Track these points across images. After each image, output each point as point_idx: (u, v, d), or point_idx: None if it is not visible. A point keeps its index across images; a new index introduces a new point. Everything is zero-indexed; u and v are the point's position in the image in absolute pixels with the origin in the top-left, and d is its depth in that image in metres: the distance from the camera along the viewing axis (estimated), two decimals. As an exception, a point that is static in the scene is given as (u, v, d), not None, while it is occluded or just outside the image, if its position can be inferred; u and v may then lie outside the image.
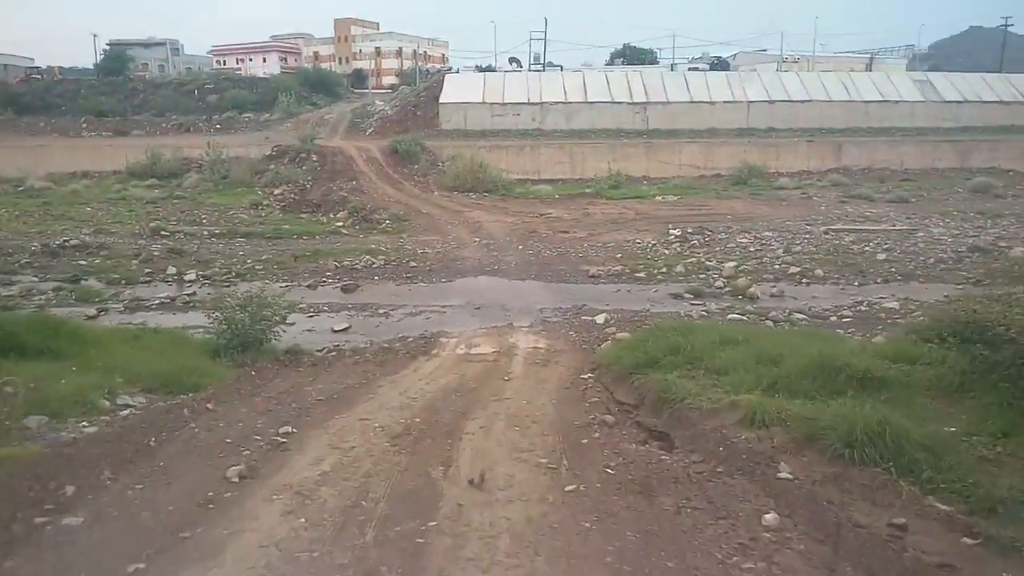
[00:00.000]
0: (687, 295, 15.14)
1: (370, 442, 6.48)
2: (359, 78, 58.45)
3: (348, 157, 32.30)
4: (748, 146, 34.75)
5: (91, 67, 59.26)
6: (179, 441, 6.53)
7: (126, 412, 7.22)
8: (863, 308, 14.00)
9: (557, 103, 40.10)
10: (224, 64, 66.58)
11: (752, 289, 15.28)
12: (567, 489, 5.37)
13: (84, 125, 44.67)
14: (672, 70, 48.50)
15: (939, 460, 4.98)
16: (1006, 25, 57.12)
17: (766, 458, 5.37)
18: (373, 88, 55.57)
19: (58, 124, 45.24)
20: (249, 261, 18.41)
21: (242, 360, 9.66)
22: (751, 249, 19.20)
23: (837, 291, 15.66)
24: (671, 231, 20.91)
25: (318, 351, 11.36)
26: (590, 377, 9.35)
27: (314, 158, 31.91)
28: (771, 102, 39.92)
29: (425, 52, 70.18)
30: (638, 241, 20.23)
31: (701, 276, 16.70)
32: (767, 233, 20.92)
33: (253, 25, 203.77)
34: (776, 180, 30.62)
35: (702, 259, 17.99)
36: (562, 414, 7.33)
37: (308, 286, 16.35)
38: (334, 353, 11.20)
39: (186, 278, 16.91)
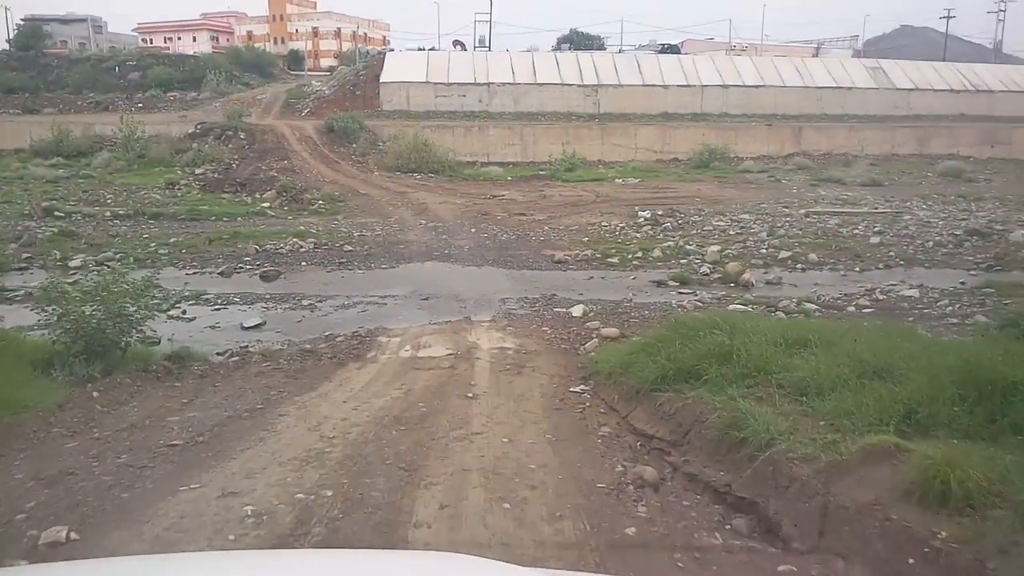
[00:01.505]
0: (671, 283, 12.67)
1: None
2: (296, 59, 54.61)
3: (279, 135, 29.03)
4: (706, 129, 32.59)
5: (3, 44, 54.14)
6: None
7: None
8: (879, 297, 11.72)
9: (505, 84, 37.33)
10: (151, 43, 61.79)
11: (746, 276, 12.87)
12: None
13: (-10, 102, 40.10)
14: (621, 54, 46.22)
15: None
16: (948, 16, 56.60)
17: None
18: (310, 70, 51.97)
19: (-43, 102, 40.53)
20: (153, 245, 15.26)
21: (89, 373, 6.72)
22: (730, 233, 16.86)
23: (838, 277, 13.39)
24: (640, 213, 18.43)
25: (217, 355, 8.48)
26: (584, 391, 6.74)
27: (242, 136, 28.54)
28: (725, 87, 37.87)
29: (365, 33, 66.59)
30: (604, 224, 17.69)
31: (682, 261, 14.26)
32: (744, 216, 18.63)
33: (182, 3, 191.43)
34: (740, 164, 28.50)
35: (680, 243, 15.55)
36: (568, 465, 4.64)
37: (220, 273, 13.35)
38: (236, 358, 8.32)
39: (71, 264, 13.71)
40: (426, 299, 11.53)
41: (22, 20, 54.84)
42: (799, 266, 14.08)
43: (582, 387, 6.81)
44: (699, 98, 37.79)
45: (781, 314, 10.38)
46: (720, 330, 5.89)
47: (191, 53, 50.56)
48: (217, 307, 11.03)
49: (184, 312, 10.66)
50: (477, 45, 51.04)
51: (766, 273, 13.50)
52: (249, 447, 4.90)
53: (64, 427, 5.30)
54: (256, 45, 55.13)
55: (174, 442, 5.01)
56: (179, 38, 63.00)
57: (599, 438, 5.25)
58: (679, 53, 46.98)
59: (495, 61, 39.41)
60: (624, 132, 32.42)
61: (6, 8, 54.61)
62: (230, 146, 27.73)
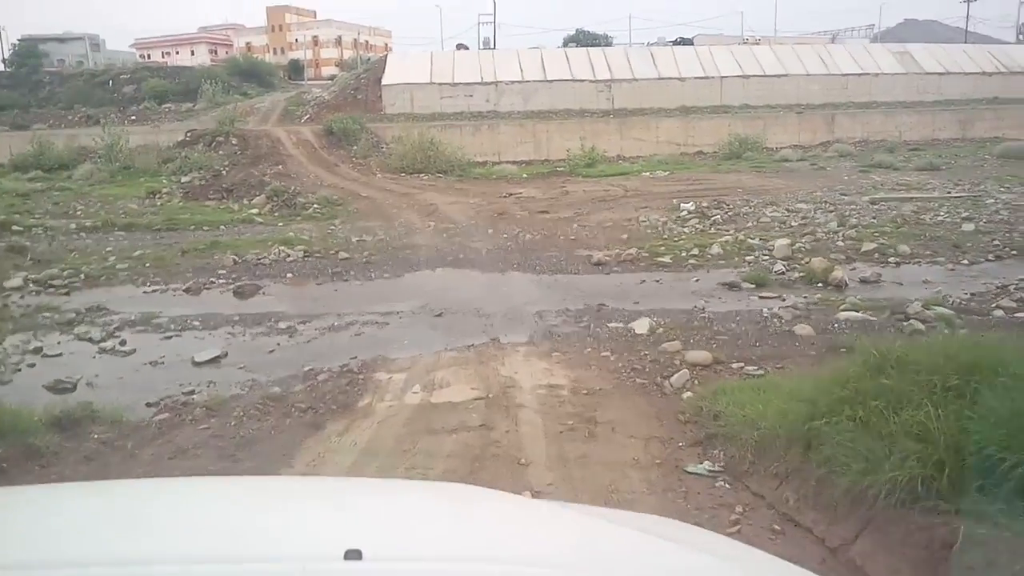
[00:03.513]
0: (746, 284, 9.87)
1: None
2: (296, 69, 51.87)
3: (275, 140, 26.32)
4: (732, 120, 29.75)
5: (0, 65, 51.82)
6: None
7: None
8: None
9: (513, 83, 34.56)
10: (148, 58, 59.18)
11: (837, 274, 10.05)
12: None
13: (-24, 120, 37.61)
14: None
15: None
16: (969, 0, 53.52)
17: None
18: (312, 79, 49.33)
19: (-54, 120, 38.05)
20: (112, 259, 12.51)
21: None
22: (792, 224, 14.02)
23: (946, 272, 10.57)
24: (682, 206, 15.59)
25: (148, 405, 5.73)
26: (715, 474, 3.94)
27: (233, 142, 25.82)
28: (745, 77, 35.02)
29: (367, 40, 63.84)
30: (642, 219, 14.87)
31: (748, 258, 11.45)
32: (800, 205, 15.77)
33: (179, 18, 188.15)
34: (775, 153, 25.64)
35: (739, 237, 12.74)
36: None
37: (186, 290, 10.57)
38: (166, 415, 5.55)
39: (7, 284, 10.98)
40: (439, 315, 8.75)
41: (18, 40, 52.58)
42: (891, 260, 11.25)
43: (707, 466, 4.03)
44: (718, 90, 34.98)
45: (916, 323, 7.58)
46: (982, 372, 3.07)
47: (187, 65, 48.03)
48: (168, 334, 8.26)
49: (123, 343, 7.91)
50: (482, 47, 48.41)
51: (854, 269, 10.69)
52: None
53: None
54: (256, 56, 52.52)
55: None
56: (177, 52, 60.38)
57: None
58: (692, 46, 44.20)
59: (502, 59, 36.72)
60: (644, 126, 29.63)
61: (1, 28, 52.21)
62: (220, 152, 25.05)
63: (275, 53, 59.45)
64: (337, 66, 52.56)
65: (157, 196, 19.84)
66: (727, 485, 3.80)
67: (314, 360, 7.08)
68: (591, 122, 30.15)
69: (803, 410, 3.61)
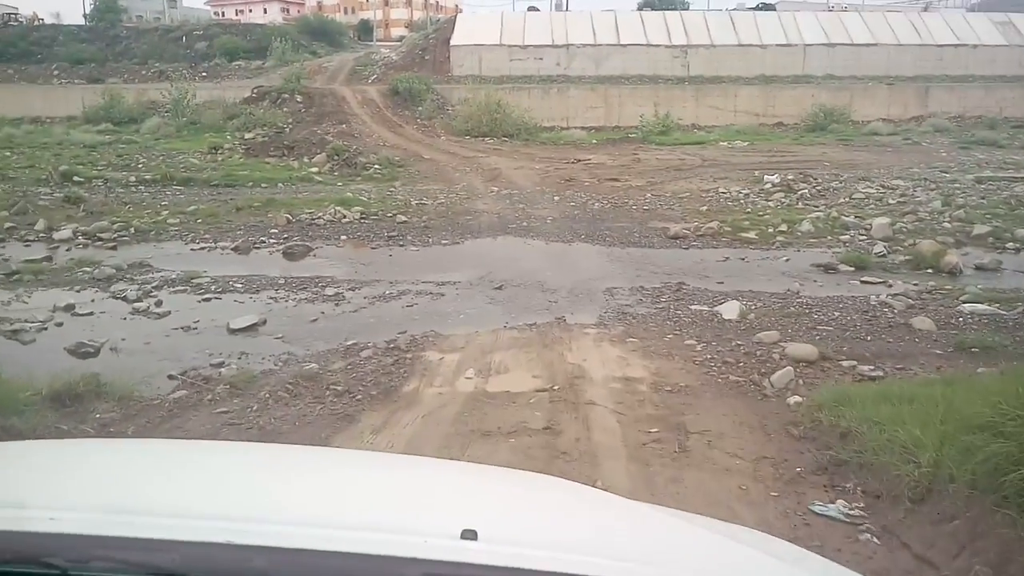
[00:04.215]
0: (843, 267, 8.72)
1: None
2: (366, 29, 51.05)
3: (339, 99, 25.70)
4: (815, 91, 27.82)
5: (82, 20, 52.51)
6: None
7: None
8: None
9: (585, 46, 33.11)
10: (223, 15, 59.38)
11: (950, 259, 8.81)
12: None
13: (56, 72, 38.08)
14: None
15: None
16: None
17: None
18: (380, 40, 48.59)
19: (28, 72, 38.66)
20: (164, 213, 12.00)
21: None
22: (889, 202, 12.65)
23: (1078, 262, 9.22)
24: (766, 178, 14.30)
25: (170, 378, 5.04)
26: (854, 515, 2.96)
27: (298, 100, 25.30)
28: (831, 45, 32.80)
29: (436, 2, 62.77)
30: (722, 191, 13.67)
31: (843, 238, 10.24)
32: (897, 182, 14.31)
33: None
34: (864, 126, 23.84)
35: (831, 214, 11.47)
36: None
37: (235, 248, 9.95)
38: (182, 393, 4.82)
39: (56, 235, 10.54)
40: (499, 288, 7.87)
41: (98, -4, 53.16)
42: (1009, 246, 9.90)
43: (842, 507, 3.06)
44: (800, 59, 32.87)
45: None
46: None
47: (259, 23, 47.83)
48: (208, 296, 7.59)
49: (159, 303, 7.28)
50: (553, 10, 46.86)
51: (966, 255, 9.39)
52: None
53: None
54: (326, 16, 51.94)
55: None
56: (250, 10, 60.27)
57: None
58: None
59: (574, 22, 35.23)
60: (722, 93, 28.00)
61: (83, -17, 52.79)
62: (285, 110, 24.57)
63: (345, 13, 58.76)
64: (407, 27, 51.67)
65: (219, 152, 19.38)
66: (875, 540, 2.84)
67: (359, 333, 6.29)
68: (665, 88, 28.65)
69: (999, 449, 2.61)
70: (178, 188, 14.93)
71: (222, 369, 5.38)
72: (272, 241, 10.35)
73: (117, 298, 7.48)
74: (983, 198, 12.78)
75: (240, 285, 7.95)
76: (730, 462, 3.59)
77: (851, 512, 3.03)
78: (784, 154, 18.55)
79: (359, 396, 4.71)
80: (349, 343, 6.00)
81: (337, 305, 7.26)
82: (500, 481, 1.75)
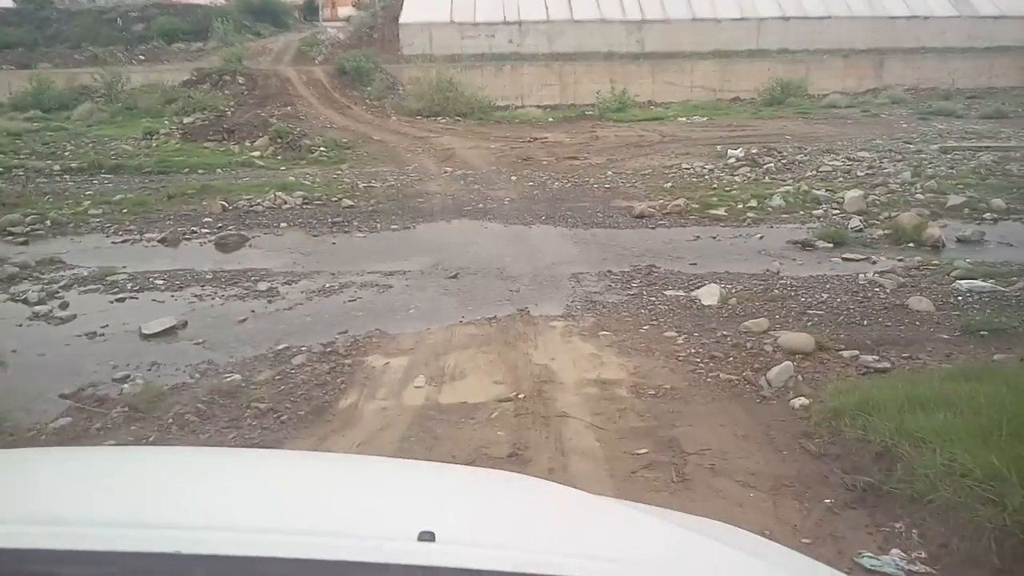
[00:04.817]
0: (820, 243, 8.12)
1: None
2: (311, 9, 49.28)
3: (284, 80, 24.50)
4: (772, 64, 27.39)
5: (10, 2, 49.76)
6: None
7: None
8: None
9: (538, 22, 32.14)
10: (162, -3, 56.87)
11: (933, 231, 8.28)
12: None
13: (-19, 58, 35.88)
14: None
15: None
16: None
17: None
18: (328, 20, 46.99)
19: (-50, 58, 36.36)
20: (87, 203, 10.92)
21: None
22: (858, 174, 12.15)
23: (1063, 232, 8.77)
24: (730, 152, 13.69)
25: (63, 397, 4.16)
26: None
27: (240, 82, 24.06)
28: (785, 19, 32.36)
29: (385, -20, 60.98)
30: (685, 167, 13.02)
31: (816, 212, 9.67)
32: (862, 154, 13.82)
33: None
34: (822, 99, 23.45)
35: (801, 187, 10.89)
36: None
37: (162, 240, 8.96)
38: (67, 420, 3.96)
39: (-40, 231, 9.45)
40: (453, 277, 7.07)
41: (28, -25, 50.43)
42: (986, 217, 9.42)
43: (898, 559, 2.37)
44: (755, 33, 32.37)
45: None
46: None
47: (199, 3, 45.83)
48: (122, 295, 6.65)
49: (64, 306, 6.34)
50: (505, -13, 45.64)
51: (944, 227, 8.86)
52: None
53: None
54: (270, -4, 49.96)
55: None
56: (191, -9, 57.99)
57: None
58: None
59: (526, -2, 34.24)
60: (678, 69, 27.42)
61: (11, -37, 50.04)
62: (226, 92, 23.31)
63: (291, -7, 56.74)
64: (354, 6, 49.91)
65: (154, 137, 18.12)
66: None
67: (292, 335, 5.47)
68: (621, 65, 27.97)
69: None
70: (107, 177, 13.79)
71: (125, 385, 4.52)
72: (205, 231, 9.38)
73: (17, 301, 6.51)
74: (952, 168, 12.35)
75: (162, 282, 7.03)
76: (742, 494, 2.90)
77: (914, 569, 2.35)
78: (744, 128, 18.01)
79: (284, 416, 3.90)
80: (280, 347, 5.17)
81: (270, 302, 6.40)
82: (460, 480, 1.67)
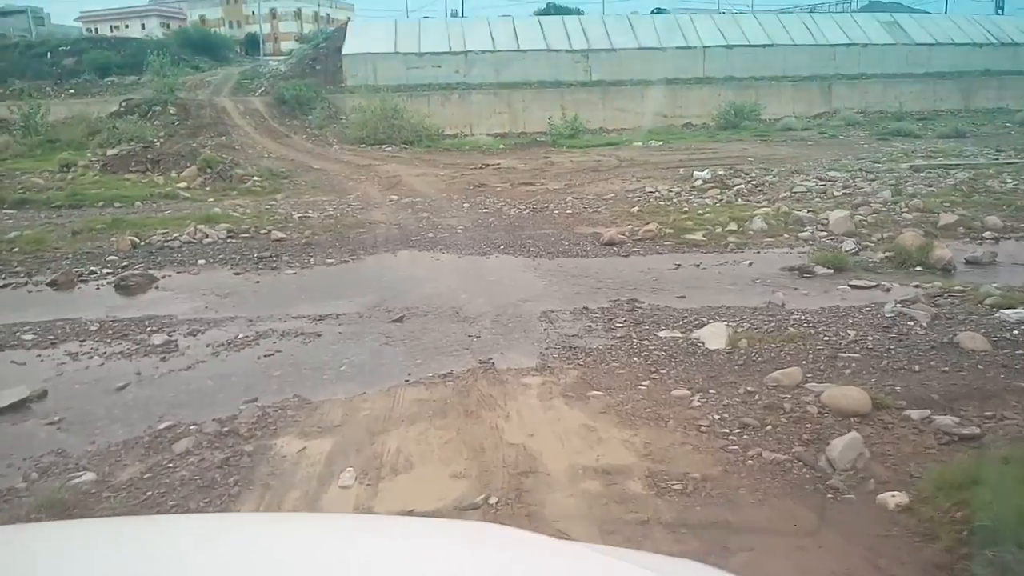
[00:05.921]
0: (818, 269, 7.04)
1: None
2: (253, 43, 47.72)
3: (219, 110, 22.99)
4: (723, 90, 26.92)
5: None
6: None
7: None
8: None
9: (484, 52, 31.25)
10: (96, 32, 54.45)
11: (941, 253, 7.28)
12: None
13: (-102, 96, 33.42)
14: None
15: None
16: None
17: None
18: (270, 54, 45.52)
19: None
20: (-28, 241, 9.31)
21: None
22: (834, 194, 11.24)
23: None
24: (696, 175, 12.70)
25: None
26: None
27: (172, 112, 22.46)
28: (729, 47, 32.14)
29: (328, 14, 59.46)
30: (650, 190, 11.96)
31: (802, 235, 8.64)
32: (833, 174, 13.00)
33: None
34: (777, 123, 22.90)
35: (780, 209, 9.89)
36: None
37: (51, 283, 7.44)
38: None
39: None
40: (398, 320, 5.73)
41: (-47, 12, 48.02)
42: (986, 235, 8.52)
43: None
44: (701, 61, 32.06)
45: None
46: None
47: (135, 37, 43.92)
48: (-26, 357, 5.17)
49: None
50: (450, 16, 44.99)
51: (945, 247, 7.89)
52: None
53: None
54: (210, 29, 48.37)
55: None
56: (127, 26, 55.52)
57: None
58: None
59: (472, 28, 33.39)
60: (629, 96, 26.78)
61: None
62: (156, 123, 21.71)
63: (231, 27, 54.99)
64: (296, 40, 48.64)
65: (71, 169, 16.45)
66: None
67: (183, 406, 4.07)
68: (570, 92, 27.22)
69: None
70: (8, 212, 12.13)
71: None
72: (106, 272, 7.88)
73: None
74: (930, 186, 11.56)
75: (31, 337, 5.54)
76: None
77: None
78: (704, 151, 17.17)
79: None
80: (162, 426, 3.78)
81: (164, 359, 4.98)
82: (398, 533, 1.50)
